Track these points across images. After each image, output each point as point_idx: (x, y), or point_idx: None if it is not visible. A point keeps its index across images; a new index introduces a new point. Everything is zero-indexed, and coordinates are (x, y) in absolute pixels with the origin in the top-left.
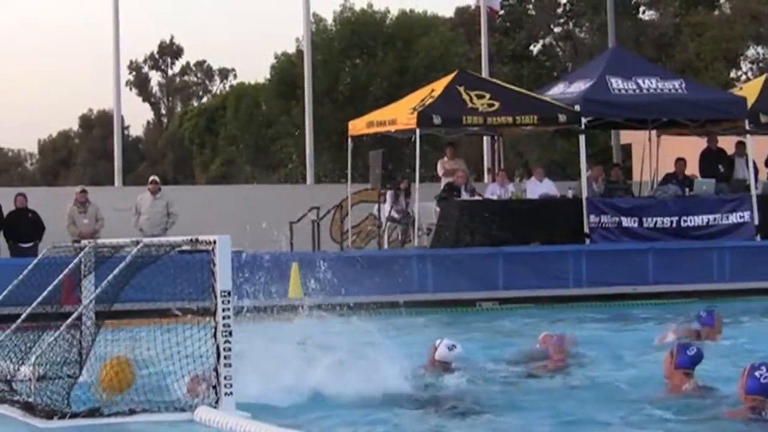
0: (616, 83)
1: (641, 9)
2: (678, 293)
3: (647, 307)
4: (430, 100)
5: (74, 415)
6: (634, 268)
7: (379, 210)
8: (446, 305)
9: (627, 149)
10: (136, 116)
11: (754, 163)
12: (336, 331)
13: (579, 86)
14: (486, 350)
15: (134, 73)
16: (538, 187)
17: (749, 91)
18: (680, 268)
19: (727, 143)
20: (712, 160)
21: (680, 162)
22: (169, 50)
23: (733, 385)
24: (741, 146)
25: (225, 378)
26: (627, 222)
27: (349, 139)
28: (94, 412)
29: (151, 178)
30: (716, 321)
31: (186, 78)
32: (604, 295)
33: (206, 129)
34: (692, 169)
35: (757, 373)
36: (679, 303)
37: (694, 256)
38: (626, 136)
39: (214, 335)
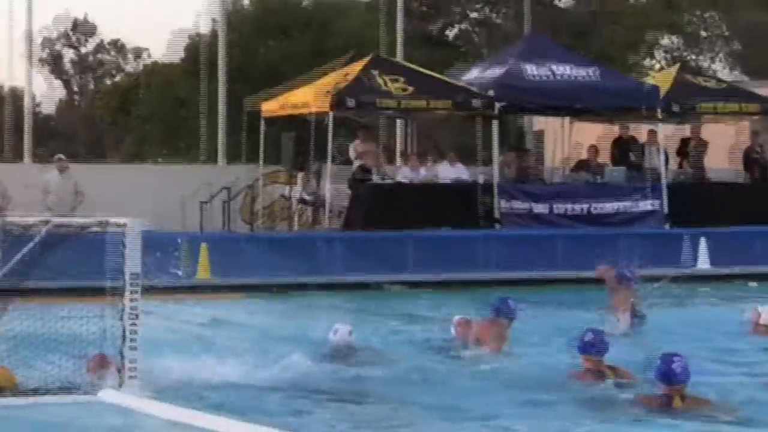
0: (531, 69)
1: None
2: (587, 279)
3: (556, 293)
4: (344, 83)
5: None
6: (544, 254)
7: (290, 191)
8: (355, 288)
9: (540, 136)
10: (49, 94)
11: (665, 152)
12: (242, 313)
13: (493, 72)
14: (390, 334)
15: (47, 50)
16: (450, 172)
17: (662, 79)
18: (589, 254)
19: (639, 131)
20: (623, 148)
21: (592, 149)
22: (83, 28)
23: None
24: (653, 135)
25: (130, 361)
26: (538, 208)
27: (262, 120)
28: None
29: (57, 156)
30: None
31: (100, 56)
32: (513, 280)
33: (119, 108)
34: (604, 156)
35: (673, 364)
36: (588, 289)
37: (603, 243)
38: (539, 122)
39: (121, 317)
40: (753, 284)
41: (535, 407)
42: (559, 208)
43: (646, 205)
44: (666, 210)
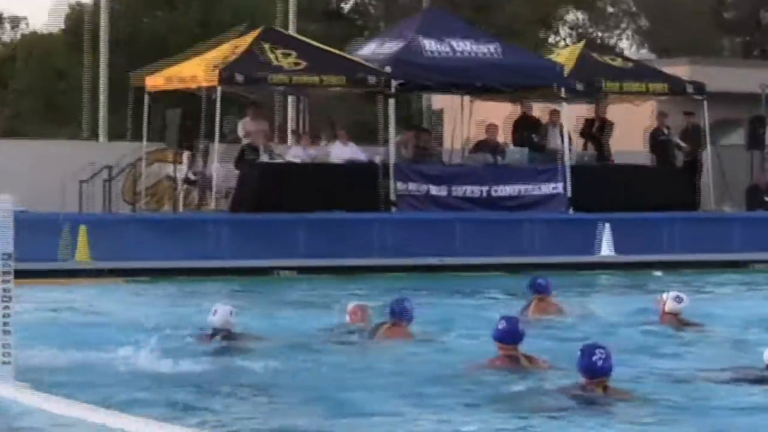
0: (429, 45)
1: None
2: (486, 266)
3: (454, 280)
4: (233, 57)
5: None
6: (441, 238)
7: (175, 171)
8: (243, 273)
9: (438, 114)
10: None
11: (569, 133)
12: (122, 298)
13: (390, 47)
14: (280, 321)
15: None
16: (342, 152)
17: (566, 57)
18: (489, 239)
19: (542, 111)
20: (525, 128)
21: (491, 128)
22: None
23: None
24: (555, 114)
25: (3, 346)
26: (435, 190)
27: (146, 95)
28: None
29: None
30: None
31: None
32: (409, 266)
33: None
34: (505, 136)
35: (594, 356)
36: (488, 276)
37: (503, 228)
38: (438, 100)
39: None
40: (657, 273)
41: (433, 399)
42: (458, 190)
43: (548, 188)
44: (569, 194)
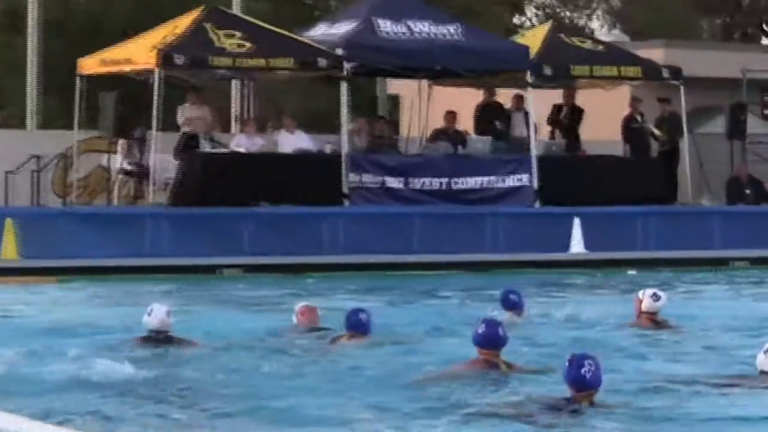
0: (385, 26)
1: None
2: (446, 264)
3: (411, 279)
4: (173, 38)
5: None
6: (398, 234)
7: (109, 161)
8: (184, 271)
9: (395, 101)
10: None
11: (535, 122)
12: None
13: (343, 28)
14: (222, 323)
15: None
16: (291, 140)
17: (533, 39)
18: (449, 235)
19: (506, 97)
20: (488, 115)
21: (450, 115)
22: None
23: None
24: (519, 100)
25: None
26: (392, 182)
27: (78, 79)
28: None
29: None
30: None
31: None
32: (363, 264)
33: None
34: (467, 124)
35: (582, 368)
36: (448, 275)
37: (465, 223)
38: (394, 85)
39: None
40: (632, 271)
41: (391, 407)
42: (416, 182)
43: (513, 180)
44: (536, 186)
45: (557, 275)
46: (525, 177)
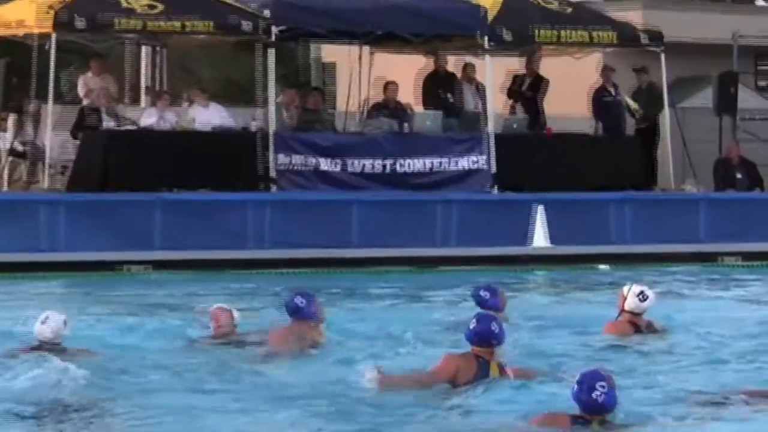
0: None
1: None
2: (390, 259)
3: (349, 277)
4: None
5: None
6: (333, 225)
7: None
8: (83, 268)
9: (330, 69)
10: None
11: (482, 96)
12: None
13: None
14: (127, 329)
15: None
16: (211, 116)
17: None
18: (393, 227)
19: (460, 66)
20: (438, 86)
21: (391, 87)
22: None
23: None
24: (469, 69)
25: None
26: (326, 164)
27: None
28: None
29: None
30: (502, 300)
31: None
32: (292, 260)
33: None
34: (416, 98)
35: (594, 392)
36: (392, 272)
37: (412, 212)
38: (330, 52)
39: None
40: (604, 267)
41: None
42: (355, 164)
43: (467, 161)
44: (493, 169)
45: (517, 273)
46: (480, 158)
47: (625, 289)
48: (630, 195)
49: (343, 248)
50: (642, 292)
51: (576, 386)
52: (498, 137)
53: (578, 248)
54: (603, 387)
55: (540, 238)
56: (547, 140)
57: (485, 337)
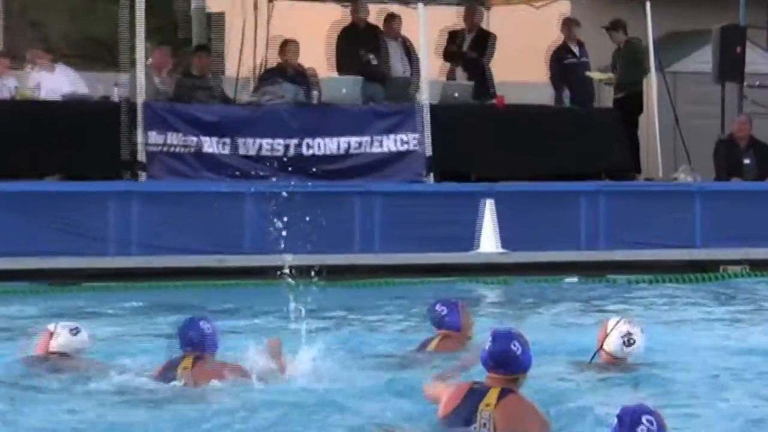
0: None
1: None
2: (292, 270)
3: (242, 291)
4: None
5: None
6: (222, 225)
7: None
8: None
9: (217, 23)
10: None
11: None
12: None
13: None
14: None
15: None
16: (56, 81)
17: None
18: (298, 227)
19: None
20: (357, 44)
21: (290, 47)
22: None
23: None
24: (393, 21)
25: None
26: (212, 145)
27: None
28: None
29: None
30: (463, 317)
31: None
32: (167, 270)
33: None
34: (329, 61)
35: (639, 427)
36: (293, 285)
37: (322, 208)
38: (216, 0)
39: None
40: (571, 279)
41: None
42: (249, 145)
43: (394, 141)
44: (428, 151)
45: (459, 286)
46: (411, 137)
47: (611, 323)
48: (605, 185)
49: (234, 254)
50: (629, 335)
51: (616, 424)
52: (434, 110)
53: (538, 255)
54: (650, 422)
55: (489, 242)
56: (497, 113)
57: (502, 361)
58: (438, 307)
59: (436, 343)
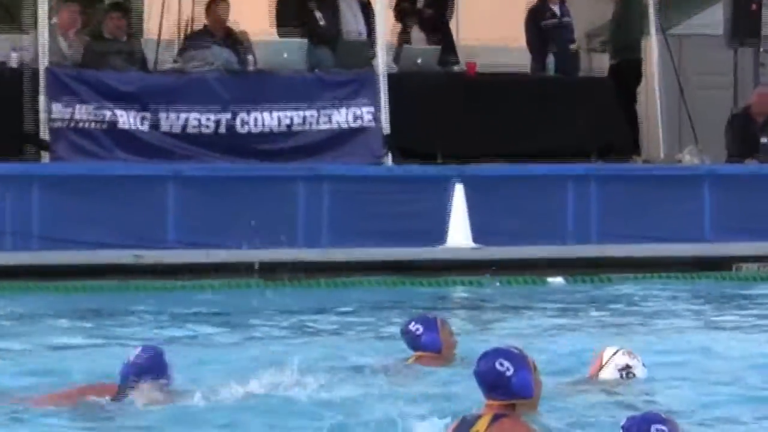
0: None
1: None
2: (223, 267)
3: (161, 294)
4: None
5: None
6: (140, 214)
7: None
8: None
9: None
10: None
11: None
12: None
13: None
14: None
15: None
16: None
17: None
18: (231, 217)
19: None
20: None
21: (220, 7)
22: None
23: None
24: None
25: None
26: (128, 120)
27: None
28: None
29: None
30: (442, 336)
31: None
32: (76, 267)
33: None
34: (270, 21)
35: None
36: (225, 286)
37: (260, 194)
38: None
39: None
40: (555, 280)
41: None
42: (172, 120)
43: (346, 116)
44: (387, 127)
45: (422, 288)
46: (366, 111)
47: (607, 353)
48: (597, 169)
49: (154, 249)
50: (628, 368)
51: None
52: (394, 79)
53: (517, 251)
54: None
55: (458, 235)
56: (468, 82)
57: (489, 383)
58: (412, 326)
59: (412, 361)
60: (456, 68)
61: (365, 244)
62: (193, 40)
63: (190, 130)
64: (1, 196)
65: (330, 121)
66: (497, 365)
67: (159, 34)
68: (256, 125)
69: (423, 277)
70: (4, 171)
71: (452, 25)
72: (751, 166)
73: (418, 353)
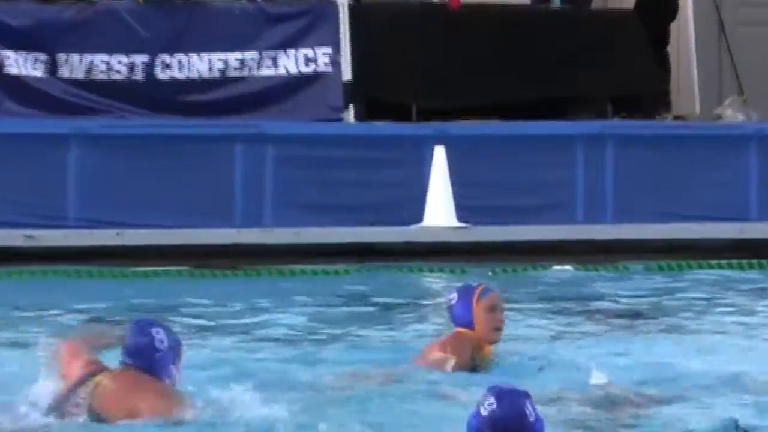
0: None
1: None
2: (143, 250)
3: (59, 282)
4: None
5: None
6: (35, 184)
7: None
8: None
9: None
10: None
11: None
12: None
13: None
14: None
15: None
16: None
17: None
18: (150, 187)
19: None
20: None
21: None
22: None
23: None
24: None
25: None
26: (20, 63)
27: None
28: None
29: None
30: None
31: None
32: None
33: None
34: None
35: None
36: (142, 275)
37: (187, 160)
38: None
39: None
40: (563, 268)
41: None
42: (75, 63)
43: (296, 59)
44: (347, 73)
45: (394, 276)
46: (322, 53)
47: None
48: (615, 127)
49: (52, 229)
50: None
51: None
52: (358, 11)
53: (512, 231)
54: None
55: (439, 212)
56: (449, 16)
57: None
58: (450, 294)
59: (429, 348)
60: None
61: (320, 223)
62: None
63: (96, 75)
64: None
65: (275, 65)
66: (525, 409)
67: None
68: (181, 70)
69: (394, 265)
70: None
71: None
72: None
73: (456, 329)
